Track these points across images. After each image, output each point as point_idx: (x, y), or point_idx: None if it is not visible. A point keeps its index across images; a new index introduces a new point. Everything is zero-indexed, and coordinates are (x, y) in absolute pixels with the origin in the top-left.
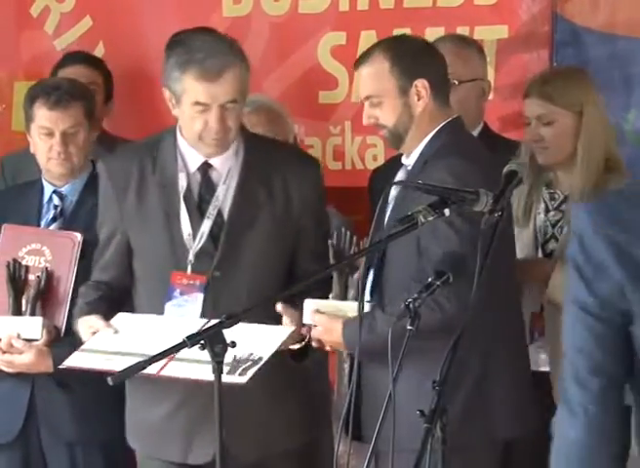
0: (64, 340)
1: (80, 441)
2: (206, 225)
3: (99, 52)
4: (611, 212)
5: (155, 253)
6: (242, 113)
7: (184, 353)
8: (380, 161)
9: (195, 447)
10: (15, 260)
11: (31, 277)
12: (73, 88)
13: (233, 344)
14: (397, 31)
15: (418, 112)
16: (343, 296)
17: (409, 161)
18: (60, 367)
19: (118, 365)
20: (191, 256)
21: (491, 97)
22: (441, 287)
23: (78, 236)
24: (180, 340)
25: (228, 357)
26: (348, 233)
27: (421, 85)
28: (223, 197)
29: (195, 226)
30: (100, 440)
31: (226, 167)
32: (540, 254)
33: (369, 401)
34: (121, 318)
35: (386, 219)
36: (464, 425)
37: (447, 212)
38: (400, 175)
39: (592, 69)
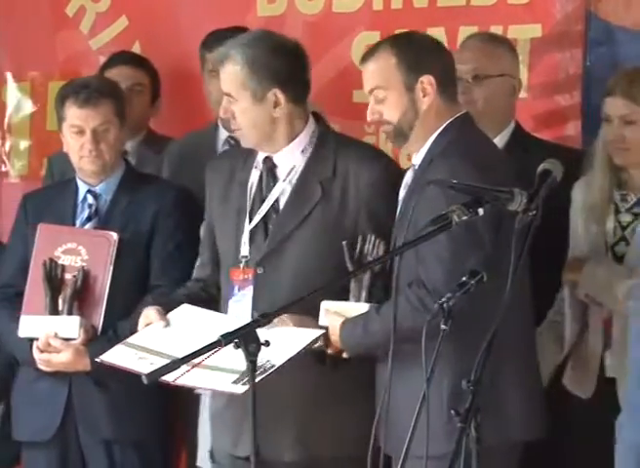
0: (101, 339)
1: (117, 439)
2: (256, 221)
3: (135, 51)
4: None
5: (225, 250)
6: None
7: (210, 359)
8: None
9: (241, 441)
10: (51, 260)
11: (67, 276)
12: (102, 86)
13: (267, 343)
14: (431, 30)
15: (423, 109)
16: (359, 298)
17: (416, 160)
18: (96, 359)
19: (147, 366)
20: (244, 252)
21: (524, 95)
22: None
23: (114, 235)
24: (215, 339)
25: (242, 365)
26: (373, 237)
27: (427, 81)
28: (280, 194)
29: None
30: (137, 438)
31: (289, 163)
32: (609, 257)
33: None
34: (182, 311)
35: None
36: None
37: (481, 211)
38: (409, 176)
39: (625, 67)
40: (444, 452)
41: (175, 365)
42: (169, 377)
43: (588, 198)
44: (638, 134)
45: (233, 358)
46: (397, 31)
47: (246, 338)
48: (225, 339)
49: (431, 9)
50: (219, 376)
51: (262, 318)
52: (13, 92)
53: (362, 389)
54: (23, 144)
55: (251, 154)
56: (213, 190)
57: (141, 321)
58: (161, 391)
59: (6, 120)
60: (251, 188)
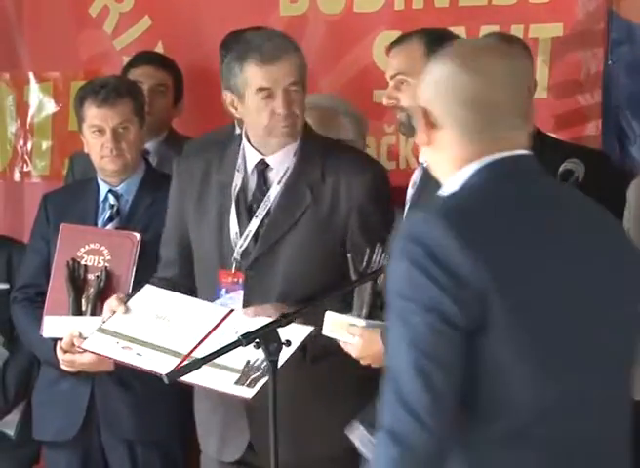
0: None
1: (139, 439)
2: (253, 225)
3: (158, 52)
4: (470, 217)
5: (205, 251)
6: (305, 104)
7: (203, 352)
8: None
9: (228, 444)
10: (74, 260)
11: (90, 277)
12: (120, 85)
13: (288, 343)
14: (452, 30)
15: None
16: (360, 313)
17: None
18: (78, 348)
19: (135, 357)
20: (236, 255)
21: (545, 95)
22: None
23: (137, 236)
24: (235, 338)
25: (241, 362)
26: (381, 250)
27: None
28: (275, 197)
29: (243, 225)
30: (159, 438)
31: (284, 166)
32: None
33: None
34: (147, 293)
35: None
36: None
37: None
38: (416, 174)
39: None
40: None
41: (195, 364)
42: (161, 370)
43: None
44: None
45: (228, 354)
46: None
47: (267, 338)
48: (246, 339)
49: (452, 8)
50: (219, 375)
51: (284, 317)
52: (35, 92)
53: (353, 386)
54: (45, 144)
55: (225, 154)
56: (185, 190)
57: (105, 309)
58: (181, 390)
59: (28, 120)
60: (235, 190)
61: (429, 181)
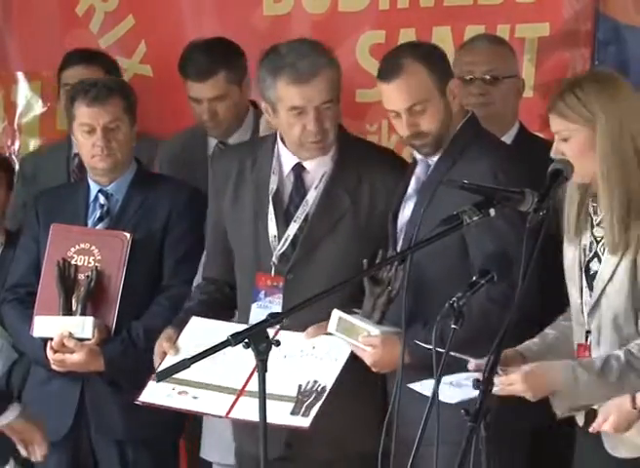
0: (115, 339)
1: (129, 438)
2: (292, 229)
3: (140, 50)
4: None
5: (242, 252)
6: (339, 114)
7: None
8: None
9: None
10: (64, 260)
11: (81, 276)
12: (111, 83)
13: (277, 343)
14: (437, 29)
15: (455, 111)
16: (371, 316)
17: (433, 157)
18: (137, 402)
19: (191, 401)
20: (275, 258)
21: (531, 94)
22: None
23: (127, 235)
24: (224, 339)
25: (293, 389)
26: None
27: (454, 84)
28: (313, 201)
29: (281, 229)
30: (149, 438)
31: (321, 170)
32: (583, 276)
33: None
34: (194, 327)
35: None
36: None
37: (492, 211)
38: (420, 170)
39: (634, 68)
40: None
41: (184, 364)
42: (219, 412)
43: (571, 210)
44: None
45: (278, 382)
46: (403, 31)
47: (256, 338)
48: (235, 340)
49: (438, 8)
50: (274, 407)
51: (272, 318)
52: (23, 91)
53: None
54: (33, 144)
55: (258, 154)
56: (224, 190)
57: (156, 351)
58: None
59: (16, 119)
60: (271, 193)
61: (434, 176)
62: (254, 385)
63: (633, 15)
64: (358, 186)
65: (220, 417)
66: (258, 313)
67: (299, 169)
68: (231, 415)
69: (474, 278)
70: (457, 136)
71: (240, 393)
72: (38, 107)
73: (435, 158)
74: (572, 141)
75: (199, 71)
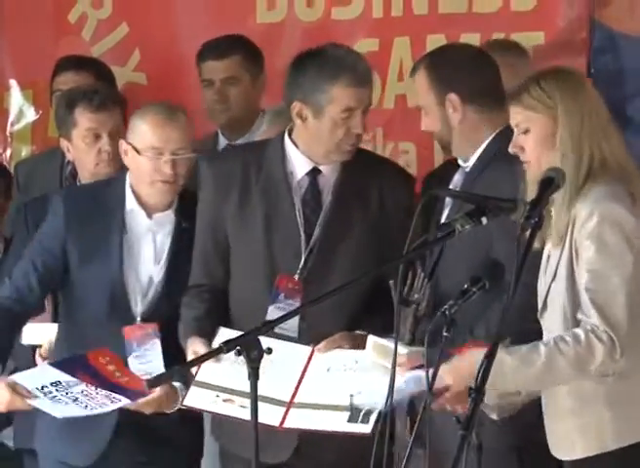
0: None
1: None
2: (316, 232)
3: (134, 58)
4: None
5: (252, 256)
6: None
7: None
8: (413, 167)
9: (270, 447)
10: None
11: None
12: (111, 92)
13: (269, 351)
14: (431, 38)
15: (456, 123)
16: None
17: (467, 163)
18: (180, 406)
19: (239, 409)
20: (302, 262)
21: None
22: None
23: None
24: (217, 346)
25: (345, 399)
26: (423, 275)
27: (452, 99)
28: (327, 207)
29: (306, 233)
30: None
31: (334, 175)
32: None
33: None
34: (223, 337)
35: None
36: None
37: (484, 220)
38: (457, 178)
39: (629, 76)
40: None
41: (179, 371)
42: (273, 422)
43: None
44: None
45: (329, 393)
46: (397, 39)
47: (248, 346)
48: (227, 347)
49: (432, 16)
50: (328, 416)
51: (264, 326)
52: (16, 99)
53: None
54: (25, 151)
55: (263, 157)
56: (227, 193)
57: (189, 354)
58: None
59: (8, 126)
60: (286, 197)
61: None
62: (300, 398)
63: (628, 23)
64: (367, 190)
65: (274, 428)
66: (275, 314)
67: (314, 173)
68: (286, 425)
69: (465, 286)
70: (490, 144)
71: (289, 405)
72: (30, 115)
73: (470, 164)
74: (532, 133)
75: (217, 49)
